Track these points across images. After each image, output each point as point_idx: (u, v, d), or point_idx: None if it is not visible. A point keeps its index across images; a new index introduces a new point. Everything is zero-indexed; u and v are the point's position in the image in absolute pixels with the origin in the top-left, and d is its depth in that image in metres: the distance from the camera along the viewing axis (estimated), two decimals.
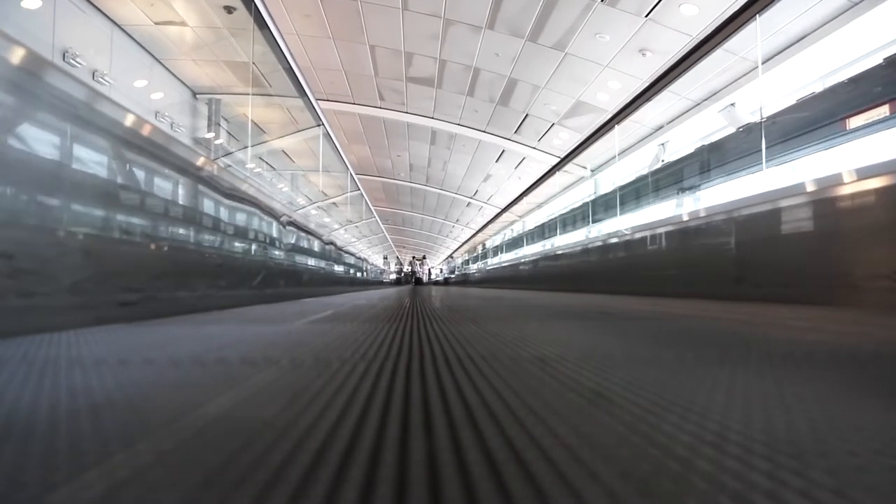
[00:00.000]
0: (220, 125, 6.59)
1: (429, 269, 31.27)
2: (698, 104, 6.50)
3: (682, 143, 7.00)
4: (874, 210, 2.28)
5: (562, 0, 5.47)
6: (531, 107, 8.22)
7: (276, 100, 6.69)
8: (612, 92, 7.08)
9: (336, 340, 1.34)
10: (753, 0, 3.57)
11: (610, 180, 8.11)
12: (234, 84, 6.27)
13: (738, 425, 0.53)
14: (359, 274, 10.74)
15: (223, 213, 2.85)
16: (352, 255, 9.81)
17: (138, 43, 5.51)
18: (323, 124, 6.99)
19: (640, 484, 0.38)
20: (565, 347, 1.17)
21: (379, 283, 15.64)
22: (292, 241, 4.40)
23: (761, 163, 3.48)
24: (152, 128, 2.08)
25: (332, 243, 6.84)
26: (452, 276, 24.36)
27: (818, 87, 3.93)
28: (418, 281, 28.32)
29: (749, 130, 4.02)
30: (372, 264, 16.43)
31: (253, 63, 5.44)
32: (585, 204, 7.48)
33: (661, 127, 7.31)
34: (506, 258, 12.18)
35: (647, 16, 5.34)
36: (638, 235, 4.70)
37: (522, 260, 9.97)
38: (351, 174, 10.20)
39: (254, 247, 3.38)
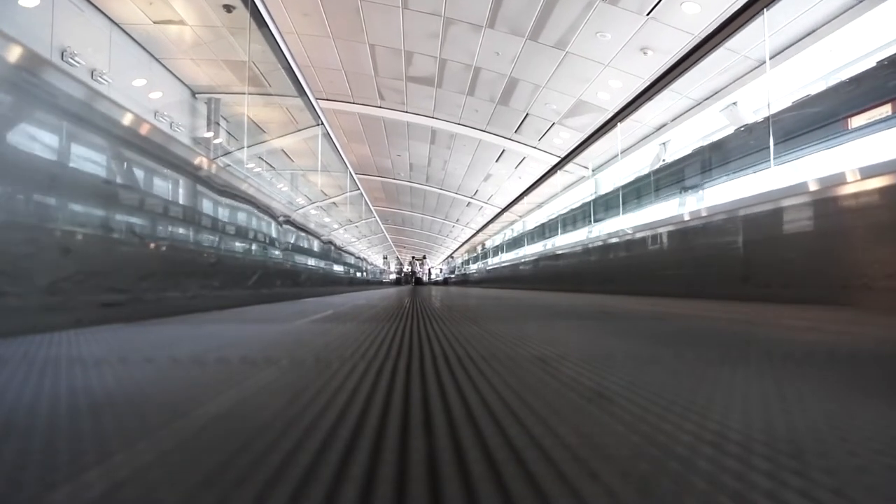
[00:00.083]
0: (218, 124, 6.59)
1: (429, 269, 31.27)
2: (700, 103, 6.49)
3: (683, 142, 7.01)
4: (890, 208, 2.22)
5: None
6: (532, 106, 8.21)
7: (275, 99, 6.68)
8: (613, 91, 7.07)
9: (336, 340, 1.35)
10: None
11: (611, 180, 8.10)
12: (234, 83, 6.28)
13: (737, 425, 0.53)
14: (358, 274, 10.73)
15: (217, 211, 2.75)
16: (351, 254, 9.80)
17: (137, 42, 5.51)
18: (322, 124, 6.98)
19: (640, 484, 0.38)
20: (565, 347, 1.17)
21: (379, 283, 15.64)
22: (290, 241, 4.33)
23: (769, 160, 3.41)
24: (133, 117, 1.94)
25: (330, 242, 6.81)
26: (452, 276, 24.36)
27: (818, 87, 3.92)
28: (418, 281, 28.32)
29: (750, 130, 4.00)
30: (372, 264, 16.41)
31: (252, 62, 5.44)
32: (586, 203, 7.47)
33: (662, 126, 7.31)
34: (506, 258, 12.18)
35: (648, 14, 5.33)
36: (641, 235, 4.67)
37: (523, 260, 9.97)
38: (351, 174, 10.19)
39: (249, 246, 3.30)
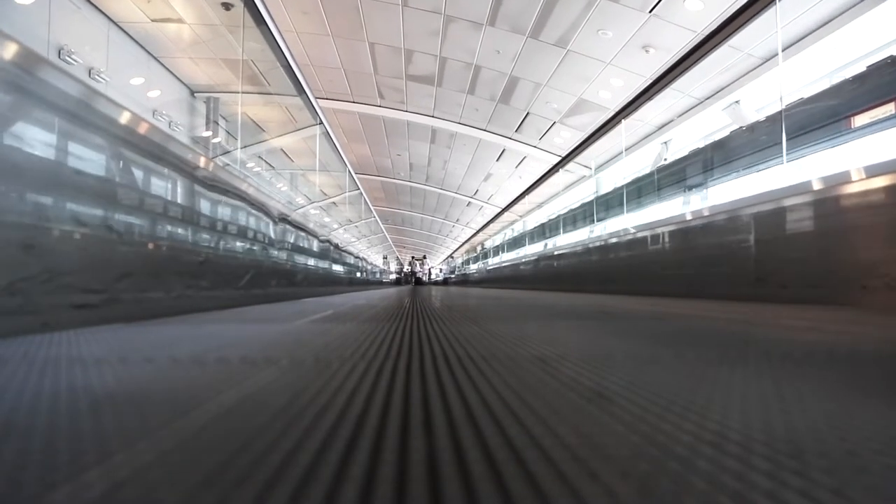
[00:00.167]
0: (217, 123, 6.58)
1: (429, 269, 31.27)
2: (702, 102, 6.47)
3: (685, 141, 6.99)
4: None
5: None
6: (532, 105, 8.20)
7: (274, 98, 6.68)
8: (614, 90, 7.06)
9: (336, 340, 1.35)
10: None
11: (612, 179, 8.08)
12: (233, 82, 6.27)
13: (737, 425, 0.53)
14: (358, 274, 10.72)
15: (205, 206, 2.61)
16: (350, 254, 9.79)
17: (135, 40, 5.51)
18: (322, 123, 6.98)
19: (640, 484, 0.38)
20: (565, 347, 1.17)
21: (379, 283, 15.63)
22: (285, 239, 4.24)
23: (781, 156, 3.30)
24: (106, 101, 1.77)
25: (328, 241, 6.77)
26: (452, 275, 24.35)
27: (821, 86, 3.86)
28: (418, 281, 28.32)
29: (762, 125, 3.89)
30: (371, 264, 16.38)
31: (251, 61, 5.43)
32: (588, 203, 7.45)
33: (664, 125, 7.29)
34: (506, 258, 12.18)
35: (650, 11, 5.31)
36: (645, 234, 4.60)
37: (523, 260, 9.97)
38: (350, 173, 10.19)
39: (241, 244, 3.16)
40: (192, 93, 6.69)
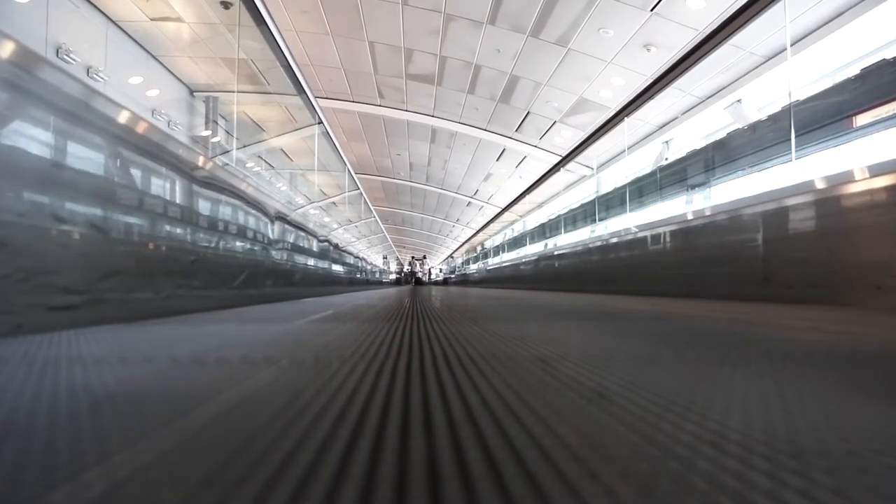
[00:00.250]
0: (217, 123, 6.58)
1: (429, 269, 31.27)
2: (703, 101, 6.46)
3: (686, 141, 6.99)
4: None
5: None
6: (533, 104, 8.20)
7: (273, 97, 6.68)
8: (615, 89, 7.05)
9: (336, 340, 1.35)
10: None
11: (613, 179, 8.06)
12: (232, 81, 6.27)
13: (737, 425, 0.53)
14: (358, 274, 10.71)
15: (198, 203, 2.50)
16: (350, 254, 9.78)
17: (134, 39, 5.51)
18: (322, 122, 6.97)
19: (640, 484, 0.38)
20: (565, 347, 1.17)
21: (378, 283, 15.63)
22: (283, 238, 4.17)
23: (790, 152, 3.22)
24: (81, 85, 1.65)
25: (328, 241, 6.75)
26: (452, 276, 24.36)
27: (823, 84, 3.79)
28: (418, 281, 28.32)
29: (771, 121, 3.79)
30: (371, 264, 16.38)
31: (251, 61, 5.43)
32: (589, 202, 7.44)
33: (665, 125, 7.28)
34: (506, 258, 12.18)
35: (652, 10, 5.30)
36: (647, 234, 4.56)
37: (523, 260, 9.97)
38: (350, 173, 10.18)
39: (235, 242, 3.06)
40: (192, 92, 6.69)
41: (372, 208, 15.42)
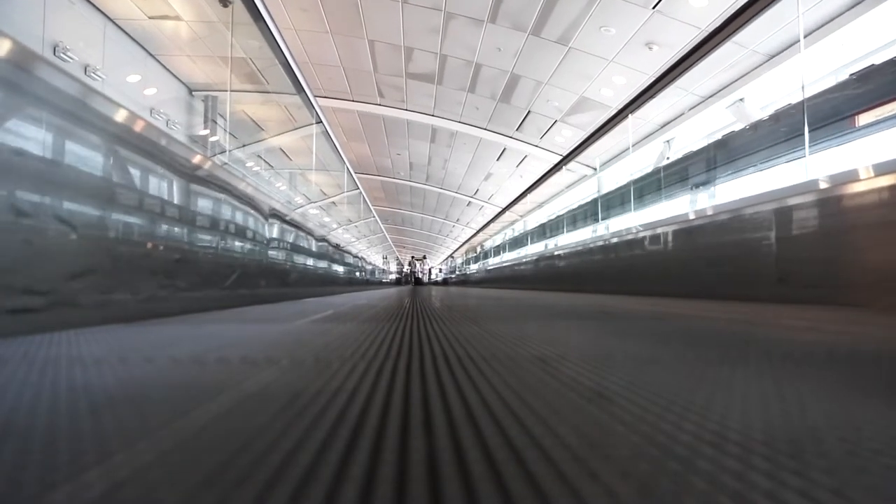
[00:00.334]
0: (215, 122, 6.57)
1: (429, 270, 31.27)
2: (705, 99, 6.44)
3: (687, 140, 6.97)
4: None
5: None
6: (533, 103, 8.19)
7: (272, 96, 6.66)
8: (616, 87, 7.03)
9: (336, 340, 1.35)
10: None
11: (615, 178, 8.03)
12: (231, 80, 6.25)
13: (737, 425, 0.53)
14: (357, 274, 10.69)
15: (183, 196, 2.35)
16: (349, 253, 9.77)
17: (132, 38, 5.50)
18: (321, 122, 6.96)
19: (640, 484, 0.38)
20: (565, 347, 1.17)
21: (378, 283, 15.63)
22: (278, 237, 4.06)
23: (804, 147, 3.07)
24: (50, 67, 1.49)
25: (326, 240, 6.72)
26: (452, 276, 24.36)
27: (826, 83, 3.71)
28: (418, 281, 28.32)
29: (779, 117, 3.64)
30: (371, 264, 16.36)
31: (249, 59, 5.41)
32: (590, 202, 7.41)
33: (666, 123, 7.27)
34: (506, 258, 12.17)
35: (654, 8, 5.28)
36: (649, 233, 4.48)
37: (523, 260, 9.96)
38: (350, 172, 10.18)
39: (226, 240, 2.90)
40: (191, 91, 6.68)
41: (372, 208, 15.41)
